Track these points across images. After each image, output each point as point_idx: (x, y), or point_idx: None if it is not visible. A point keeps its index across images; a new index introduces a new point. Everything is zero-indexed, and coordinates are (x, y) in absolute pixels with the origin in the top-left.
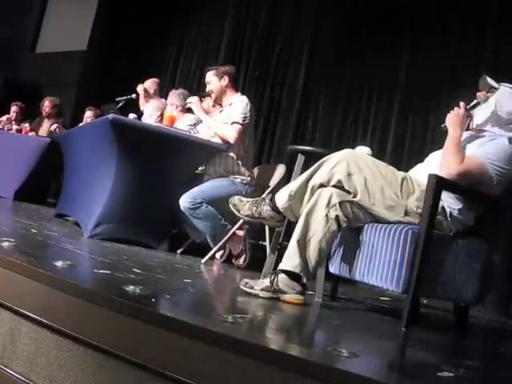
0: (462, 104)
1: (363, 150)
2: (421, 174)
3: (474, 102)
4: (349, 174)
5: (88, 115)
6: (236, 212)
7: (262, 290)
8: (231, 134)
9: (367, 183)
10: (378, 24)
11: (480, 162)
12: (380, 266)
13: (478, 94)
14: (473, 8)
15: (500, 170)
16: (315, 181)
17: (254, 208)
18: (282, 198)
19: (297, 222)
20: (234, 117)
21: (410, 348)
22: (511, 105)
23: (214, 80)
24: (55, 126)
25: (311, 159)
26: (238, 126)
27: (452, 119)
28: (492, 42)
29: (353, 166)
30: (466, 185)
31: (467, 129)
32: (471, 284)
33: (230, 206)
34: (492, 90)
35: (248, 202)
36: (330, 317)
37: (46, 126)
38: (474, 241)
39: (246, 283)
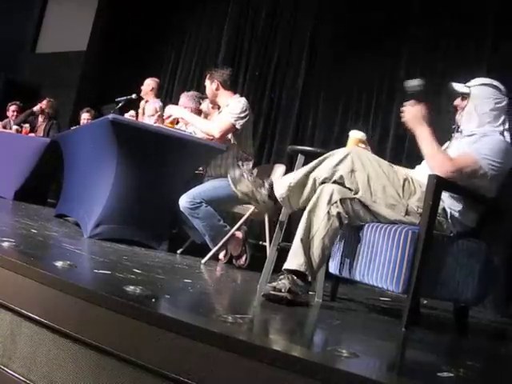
0: (407, 104)
1: (357, 135)
2: (420, 175)
3: (411, 93)
4: (352, 171)
5: (85, 117)
6: (232, 186)
7: (288, 292)
8: (216, 128)
9: (370, 181)
10: (377, 24)
11: (473, 158)
12: (380, 266)
13: (455, 104)
14: (473, 8)
15: (495, 165)
16: (317, 173)
17: (252, 188)
18: (281, 188)
19: (292, 214)
20: (226, 115)
21: (409, 348)
22: (489, 102)
23: (207, 84)
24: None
25: (311, 159)
26: (227, 123)
27: (410, 119)
28: (492, 42)
29: (356, 163)
30: (461, 182)
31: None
32: (471, 284)
33: (229, 177)
34: (465, 95)
35: (249, 180)
36: (330, 317)
37: (42, 126)
38: (473, 241)
39: (274, 288)
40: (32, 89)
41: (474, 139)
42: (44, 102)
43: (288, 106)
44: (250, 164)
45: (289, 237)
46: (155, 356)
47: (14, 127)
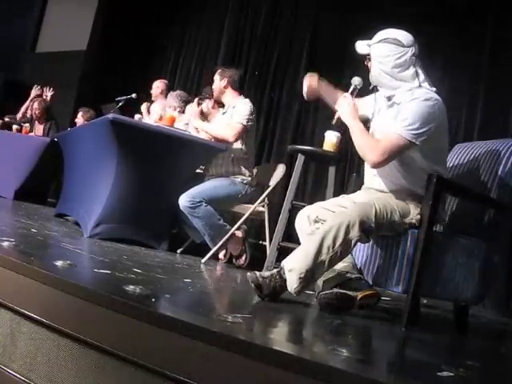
0: (346, 94)
1: (331, 137)
2: (375, 182)
3: (351, 88)
4: (364, 231)
5: (78, 117)
6: (258, 292)
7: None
8: (230, 132)
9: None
10: (377, 23)
11: (394, 136)
12: (380, 266)
13: (365, 63)
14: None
15: (417, 132)
16: (332, 255)
17: (273, 283)
18: (292, 282)
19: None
20: (238, 117)
21: (409, 348)
22: (389, 61)
23: (216, 79)
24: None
25: (311, 159)
26: (240, 126)
27: (344, 111)
28: (491, 38)
29: (365, 218)
30: (396, 159)
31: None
32: (471, 284)
33: (253, 286)
34: (368, 56)
35: (265, 277)
36: (329, 316)
37: (39, 128)
38: (473, 240)
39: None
40: (32, 89)
41: (395, 112)
42: (35, 105)
43: (288, 106)
44: (251, 164)
45: (289, 236)
46: (155, 356)
47: (14, 127)
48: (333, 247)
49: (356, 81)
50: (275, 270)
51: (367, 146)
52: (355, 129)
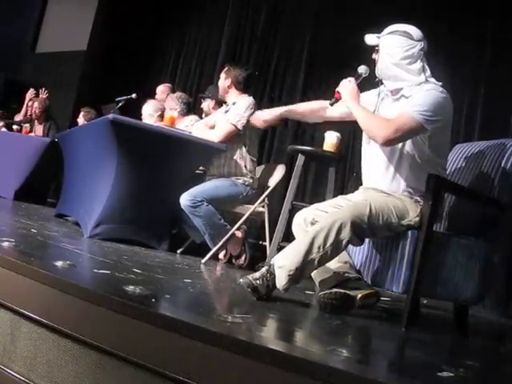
0: (351, 79)
1: (331, 137)
2: (378, 182)
3: (356, 74)
4: (355, 233)
5: (80, 118)
6: (256, 295)
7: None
8: (216, 133)
9: (381, 228)
10: (377, 23)
11: (407, 116)
12: (380, 266)
13: (373, 56)
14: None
15: (430, 119)
16: (322, 256)
17: (266, 282)
18: (281, 279)
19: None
20: (230, 117)
21: (409, 348)
22: (398, 52)
23: (221, 77)
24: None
25: (311, 159)
26: (229, 126)
27: (347, 94)
28: (492, 39)
29: (357, 219)
30: (403, 140)
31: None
32: (471, 284)
33: (249, 290)
34: (377, 47)
35: (257, 279)
36: (329, 317)
37: (39, 128)
38: (473, 240)
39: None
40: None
41: (404, 103)
42: (35, 104)
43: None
44: (253, 166)
45: (289, 236)
46: (155, 356)
47: (14, 127)
48: (323, 246)
49: (362, 69)
50: (264, 269)
51: (378, 124)
52: (359, 110)
